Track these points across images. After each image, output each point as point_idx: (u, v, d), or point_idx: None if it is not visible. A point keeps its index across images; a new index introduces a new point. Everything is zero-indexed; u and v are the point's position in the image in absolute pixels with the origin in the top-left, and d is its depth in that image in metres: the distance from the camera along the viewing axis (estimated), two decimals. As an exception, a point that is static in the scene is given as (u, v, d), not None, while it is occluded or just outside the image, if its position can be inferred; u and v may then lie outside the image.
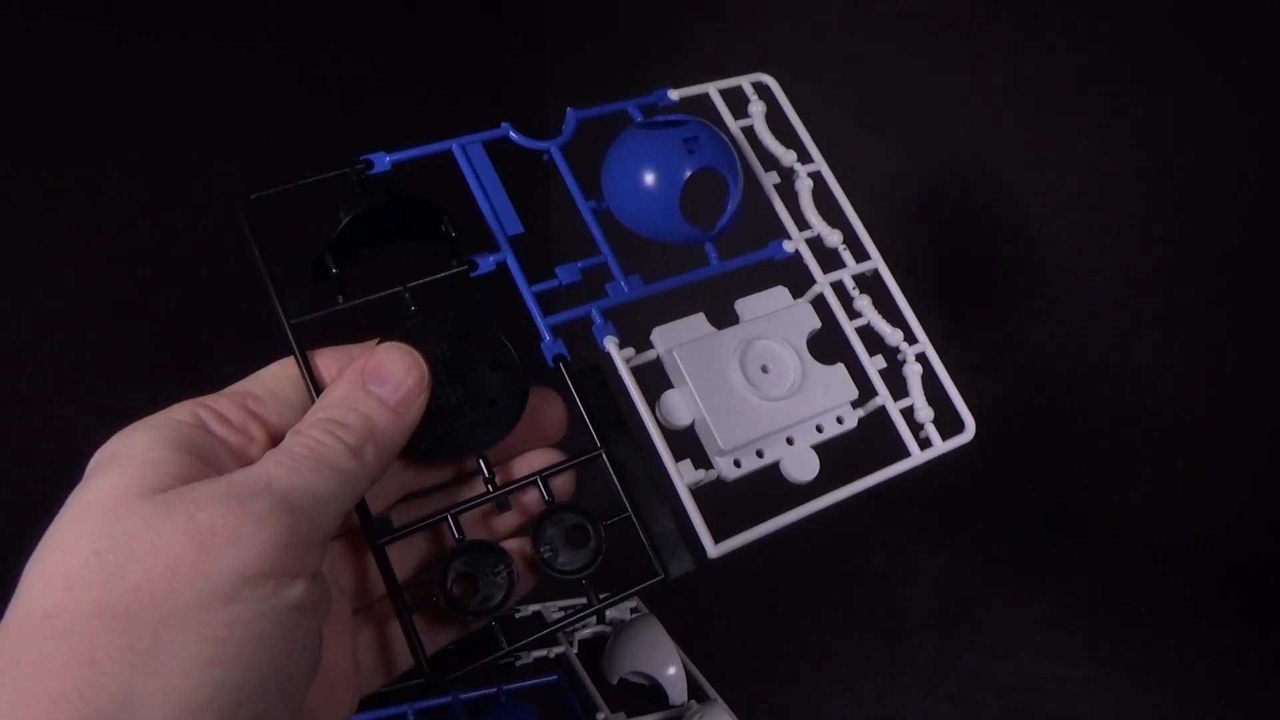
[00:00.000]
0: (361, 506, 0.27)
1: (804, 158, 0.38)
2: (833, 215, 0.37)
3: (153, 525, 0.22)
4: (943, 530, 0.71)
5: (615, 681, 0.45)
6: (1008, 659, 0.51)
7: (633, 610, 0.54)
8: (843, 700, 0.49)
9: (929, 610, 0.57)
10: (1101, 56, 0.69)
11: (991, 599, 0.59)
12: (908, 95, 0.76)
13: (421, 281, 0.30)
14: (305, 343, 0.28)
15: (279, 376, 0.28)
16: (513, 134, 0.34)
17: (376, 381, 0.27)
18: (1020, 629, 0.54)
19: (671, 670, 0.45)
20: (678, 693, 0.46)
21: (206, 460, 0.24)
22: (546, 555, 0.28)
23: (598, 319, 0.32)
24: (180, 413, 0.25)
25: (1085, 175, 0.71)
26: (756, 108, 0.38)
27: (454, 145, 0.33)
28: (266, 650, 0.22)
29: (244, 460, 0.25)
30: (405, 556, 0.29)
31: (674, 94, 0.37)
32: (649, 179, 0.33)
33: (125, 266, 0.57)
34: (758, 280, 0.36)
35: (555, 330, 0.31)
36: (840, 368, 0.34)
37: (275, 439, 0.26)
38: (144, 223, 0.58)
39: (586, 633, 0.52)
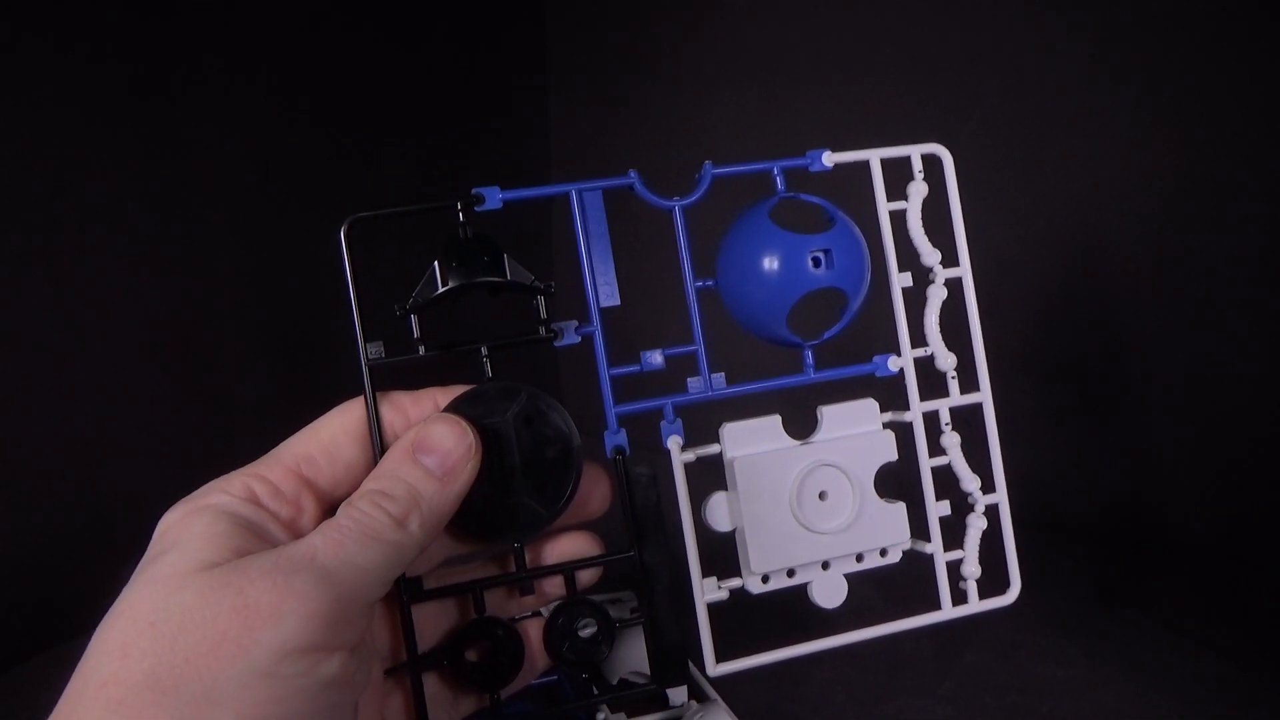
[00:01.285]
0: None
1: (948, 260, 0.34)
2: (952, 328, 0.34)
3: (204, 599, 0.23)
4: (941, 530, 0.70)
5: (615, 681, 0.47)
6: (1007, 659, 0.51)
7: (633, 610, 0.56)
8: (842, 700, 0.49)
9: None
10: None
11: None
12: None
13: (502, 343, 0.30)
14: (377, 384, 0.29)
15: (337, 430, 0.28)
16: (638, 185, 0.31)
17: (425, 452, 0.27)
18: (1019, 629, 0.54)
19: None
20: (677, 693, 0.48)
21: (260, 535, 0.25)
22: (555, 643, 0.30)
23: (669, 415, 0.31)
24: (234, 487, 0.26)
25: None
26: (917, 191, 0.34)
27: (571, 190, 0.30)
28: None
29: (295, 532, 0.26)
30: (436, 622, 0.30)
31: (829, 160, 0.33)
32: (763, 279, 0.30)
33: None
34: (850, 382, 0.34)
35: (622, 417, 0.31)
36: (900, 508, 0.33)
37: (328, 503, 0.27)
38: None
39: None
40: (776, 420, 0.33)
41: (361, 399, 0.29)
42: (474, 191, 0.29)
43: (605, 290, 0.31)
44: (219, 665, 0.22)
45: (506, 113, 0.82)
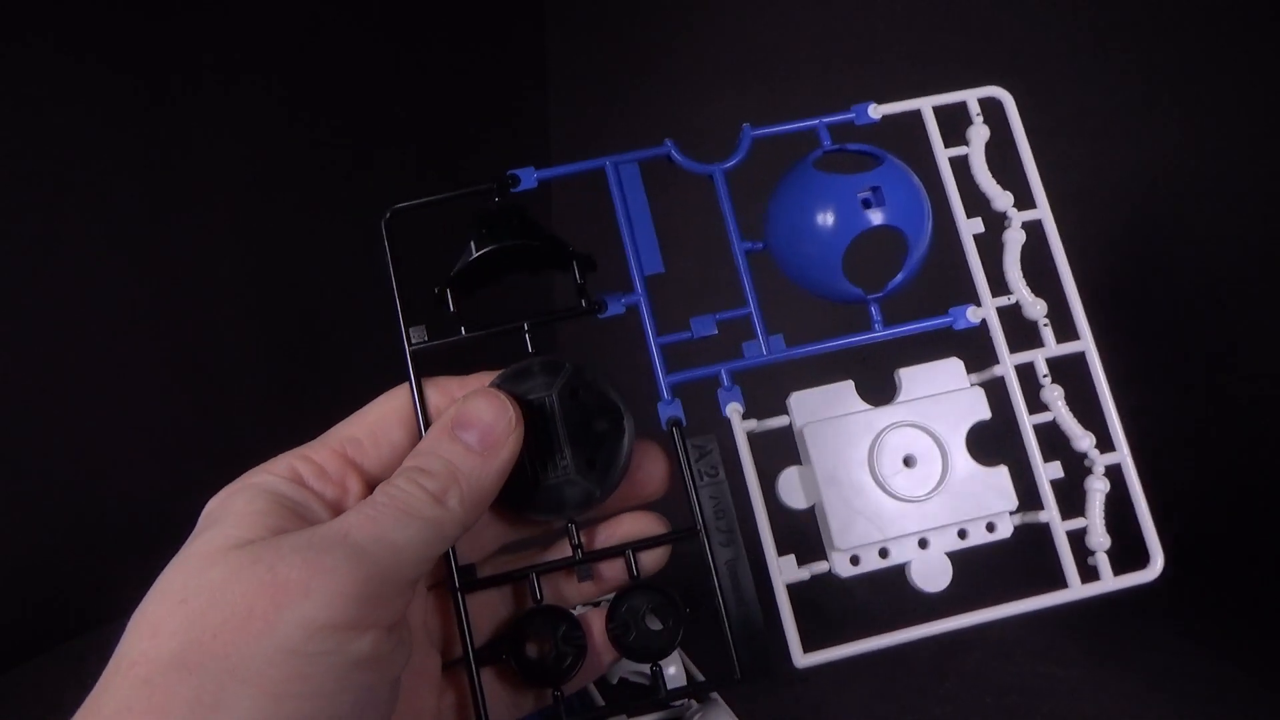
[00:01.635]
0: (447, 554, 0.27)
1: (1023, 202, 0.32)
2: (1040, 278, 0.31)
3: (237, 575, 0.23)
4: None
5: (615, 681, 0.45)
6: (1006, 659, 0.51)
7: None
8: (842, 700, 0.49)
9: (927, 610, 0.55)
10: None
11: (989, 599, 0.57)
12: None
13: (544, 318, 0.29)
14: (421, 368, 0.28)
15: (384, 414, 0.28)
16: (675, 153, 0.31)
17: (463, 427, 0.26)
18: (1018, 630, 0.54)
19: (672, 670, 0.45)
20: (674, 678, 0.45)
21: (301, 514, 0.25)
22: (618, 633, 0.27)
23: (726, 381, 0.29)
24: (279, 468, 0.26)
25: None
26: (978, 134, 0.32)
27: (607, 163, 0.30)
28: (328, 706, 0.22)
29: (339, 513, 0.26)
30: (493, 611, 0.29)
31: (876, 111, 0.32)
32: (814, 230, 0.29)
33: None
34: (927, 345, 0.31)
35: (675, 389, 0.29)
36: (1003, 471, 0.30)
37: (373, 485, 0.26)
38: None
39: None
40: (849, 386, 0.30)
41: (403, 388, 0.28)
42: (509, 173, 0.29)
43: (649, 258, 0.30)
44: (246, 641, 0.22)
45: (506, 112, 0.85)
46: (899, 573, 0.30)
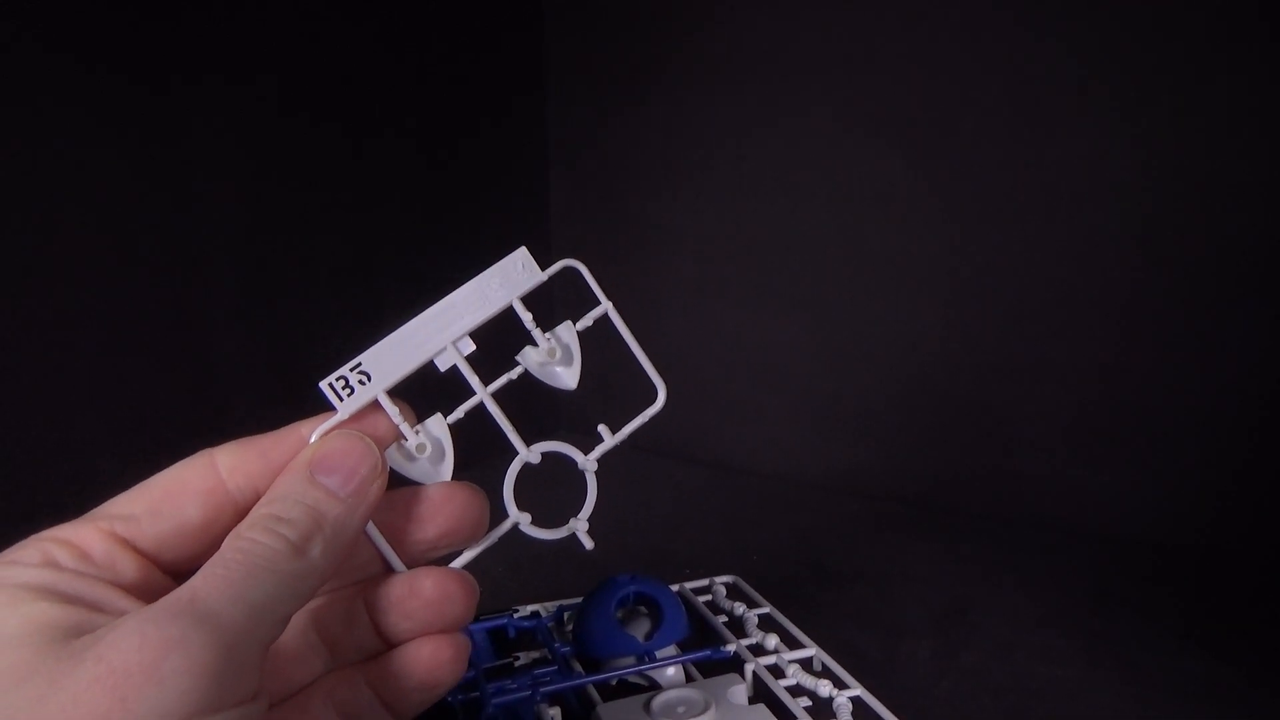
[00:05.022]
0: None
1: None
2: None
3: (58, 682, 0.18)
4: (941, 531, 0.70)
5: (615, 683, 0.46)
6: (1005, 660, 0.51)
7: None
8: None
9: (926, 610, 0.58)
10: None
11: (989, 600, 0.59)
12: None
13: None
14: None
15: (173, 486, 0.25)
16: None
17: (324, 471, 0.24)
18: (1017, 630, 0.54)
19: (671, 671, 0.45)
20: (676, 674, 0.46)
21: (84, 602, 0.21)
22: None
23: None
24: (28, 555, 0.22)
25: None
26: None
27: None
28: None
29: (111, 600, 0.22)
30: (306, 669, 0.27)
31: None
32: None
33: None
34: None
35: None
36: (761, 707, 0.38)
37: (159, 566, 0.24)
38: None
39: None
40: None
41: (210, 451, 0.26)
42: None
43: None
44: None
45: (505, 114, 0.84)
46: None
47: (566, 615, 0.51)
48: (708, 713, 0.39)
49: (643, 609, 0.47)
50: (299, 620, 0.27)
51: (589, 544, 0.29)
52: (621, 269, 0.86)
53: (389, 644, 0.27)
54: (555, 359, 0.29)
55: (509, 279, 0.29)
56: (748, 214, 0.80)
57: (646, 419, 0.30)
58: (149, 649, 0.19)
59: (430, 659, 0.26)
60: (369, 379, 0.27)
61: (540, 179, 0.89)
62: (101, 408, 0.55)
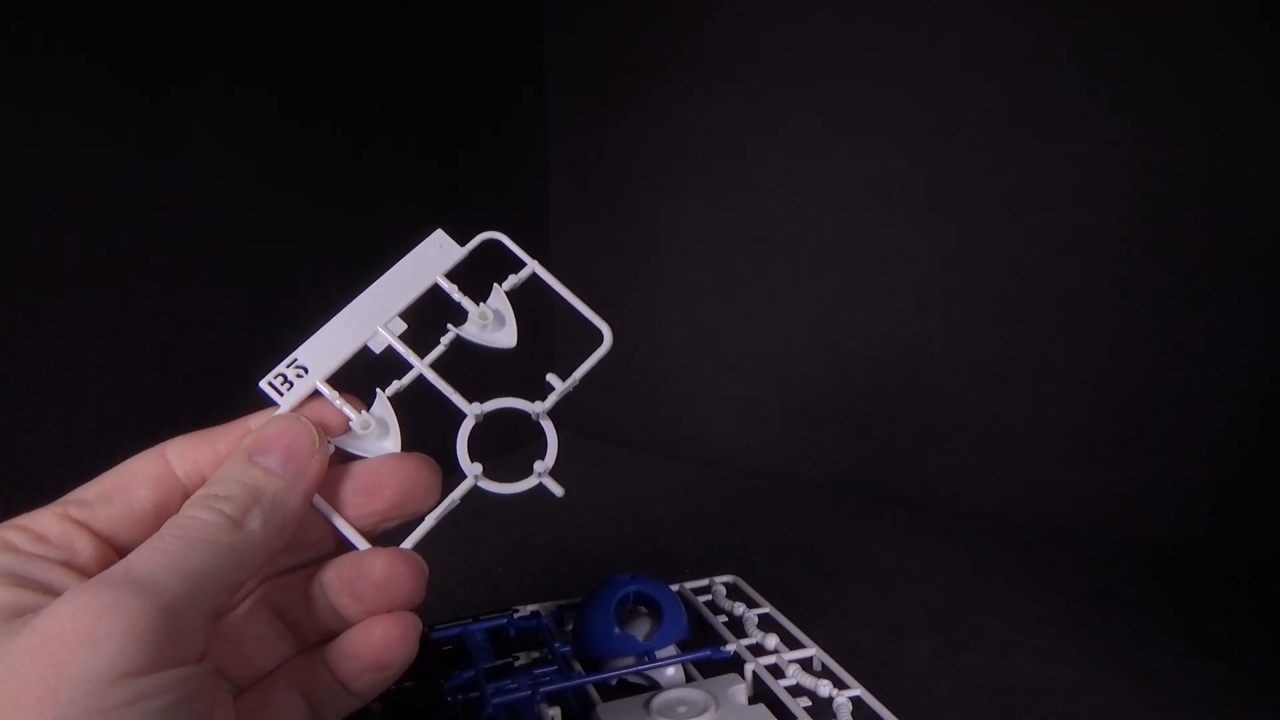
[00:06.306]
0: None
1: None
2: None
3: None
4: (940, 531, 0.70)
5: (614, 683, 0.46)
6: (1004, 660, 0.51)
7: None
8: None
9: (925, 611, 0.58)
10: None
11: (989, 600, 0.59)
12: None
13: None
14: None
15: (125, 475, 0.26)
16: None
17: (262, 452, 0.25)
18: (1017, 630, 0.55)
19: (670, 671, 0.45)
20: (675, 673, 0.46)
21: (34, 584, 0.22)
22: None
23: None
24: None
25: None
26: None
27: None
28: None
29: (65, 582, 0.23)
30: (268, 650, 0.27)
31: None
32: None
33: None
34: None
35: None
36: (761, 707, 0.38)
37: (112, 546, 0.25)
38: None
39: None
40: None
41: (160, 448, 0.27)
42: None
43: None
44: None
45: (505, 115, 0.84)
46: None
47: (566, 615, 0.51)
48: (708, 713, 0.39)
49: (643, 609, 0.47)
50: (259, 604, 0.28)
51: (558, 490, 0.29)
52: (621, 269, 0.86)
53: (345, 625, 0.28)
54: (488, 322, 0.30)
55: (429, 260, 0.31)
56: (748, 214, 0.80)
57: (595, 361, 0.30)
58: (82, 615, 0.19)
59: (380, 640, 0.27)
60: (306, 372, 0.29)
61: (540, 179, 0.90)
62: (101, 407, 0.55)
